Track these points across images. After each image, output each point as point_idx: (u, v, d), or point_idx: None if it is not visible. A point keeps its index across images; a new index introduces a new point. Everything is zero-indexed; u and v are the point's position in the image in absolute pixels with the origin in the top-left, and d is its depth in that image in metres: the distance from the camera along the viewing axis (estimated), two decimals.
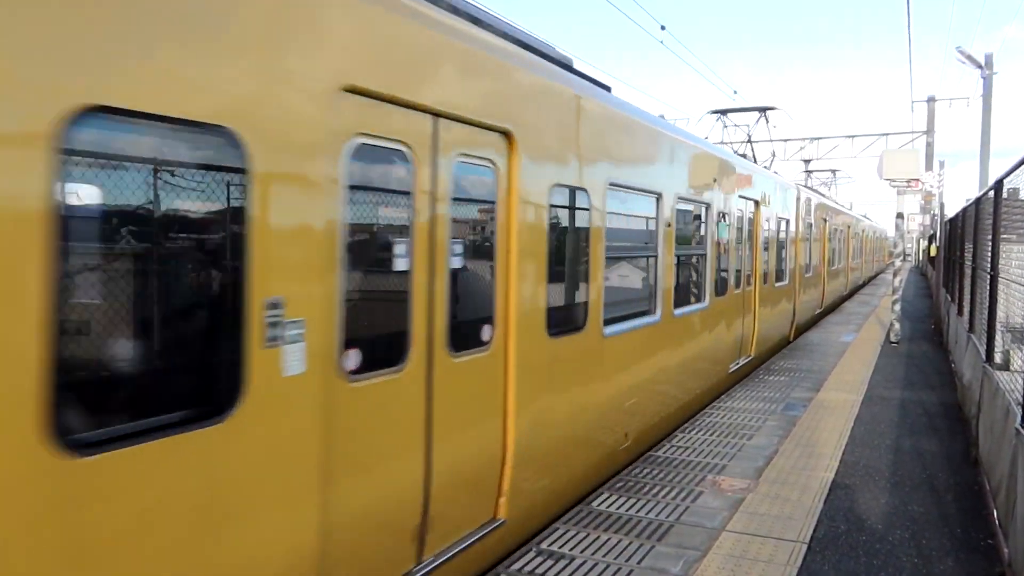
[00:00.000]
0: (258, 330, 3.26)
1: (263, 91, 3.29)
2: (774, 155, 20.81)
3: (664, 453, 7.70)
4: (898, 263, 18.07)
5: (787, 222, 15.85)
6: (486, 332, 5.00)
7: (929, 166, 25.81)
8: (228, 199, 3.24)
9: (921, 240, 45.74)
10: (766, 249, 13.87)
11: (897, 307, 16.81)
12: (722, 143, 18.52)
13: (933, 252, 27.22)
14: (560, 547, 5.39)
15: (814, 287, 20.55)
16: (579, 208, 6.32)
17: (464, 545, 4.77)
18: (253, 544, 3.30)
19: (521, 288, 5.25)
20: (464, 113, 4.62)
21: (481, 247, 5.07)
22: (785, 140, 37.66)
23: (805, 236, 18.21)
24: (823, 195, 25.96)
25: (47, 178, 2.52)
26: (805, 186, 22.45)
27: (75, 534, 2.63)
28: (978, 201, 10.29)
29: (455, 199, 4.63)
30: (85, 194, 2.78)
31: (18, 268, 2.47)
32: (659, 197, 8.12)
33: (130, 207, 2.95)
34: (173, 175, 3.08)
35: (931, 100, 31.79)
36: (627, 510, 6.12)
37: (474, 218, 5.05)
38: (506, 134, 5.10)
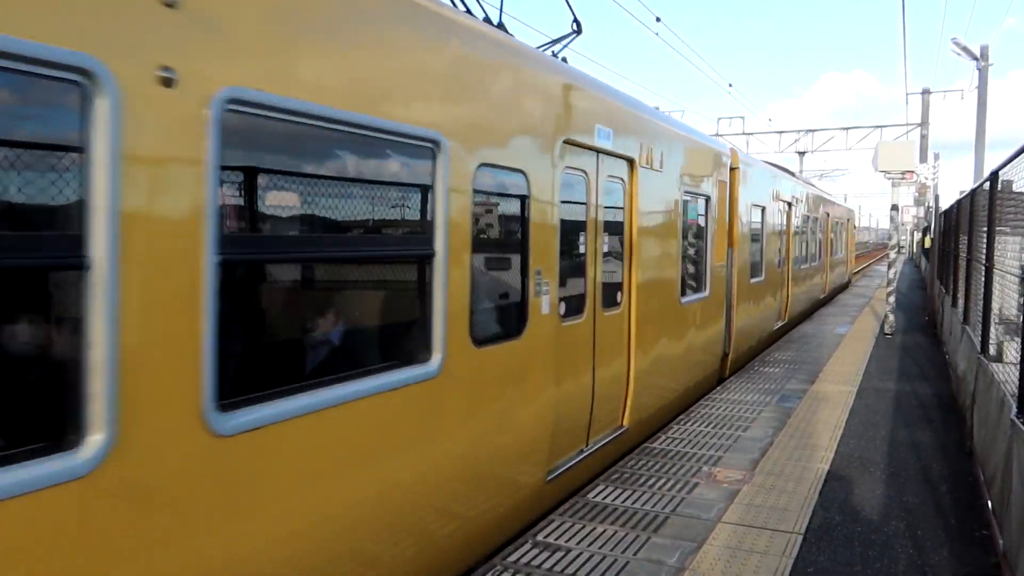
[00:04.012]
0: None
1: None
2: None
3: (660, 444, 7.70)
4: (892, 255, 18.16)
5: (707, 201, 10.16)
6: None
7: (924, 158, 25.85)
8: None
9: (915, 232, 45.78)
10: (685, 245, 9.14)
11: (891, 299, 16.89)
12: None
13: (927, 244, 27.29)
14: (556, 539, 5.39)
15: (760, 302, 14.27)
16: None
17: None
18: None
19: None
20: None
21: None
22: (780, 132, 37.70)
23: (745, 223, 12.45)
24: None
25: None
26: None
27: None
28: (973, 193, 10.31)
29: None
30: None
31: None
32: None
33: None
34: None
35: (926, 92, 31.82)
36: (623, 502, 6.13)
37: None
38: None
